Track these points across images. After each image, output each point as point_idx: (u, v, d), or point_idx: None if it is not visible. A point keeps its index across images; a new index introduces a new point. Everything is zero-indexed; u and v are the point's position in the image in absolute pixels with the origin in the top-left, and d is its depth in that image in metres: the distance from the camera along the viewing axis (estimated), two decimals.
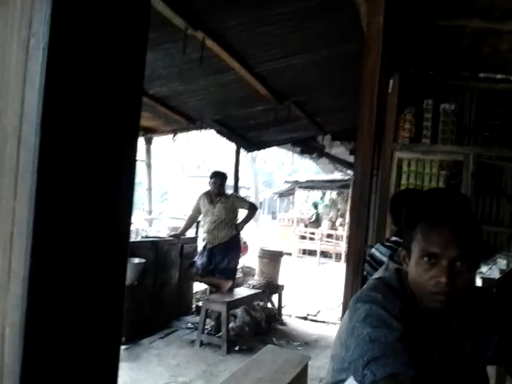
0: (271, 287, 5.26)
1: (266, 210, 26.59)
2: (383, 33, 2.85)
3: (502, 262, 4.18)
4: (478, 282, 4.17)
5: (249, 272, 5.85)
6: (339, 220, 12.35)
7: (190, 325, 4.68)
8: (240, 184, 18.48)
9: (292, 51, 3.14)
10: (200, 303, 4.78)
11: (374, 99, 2.14)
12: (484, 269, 4.36)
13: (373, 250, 2.02)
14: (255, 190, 21.38)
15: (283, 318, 5.31)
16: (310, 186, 13.17)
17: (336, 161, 8.05)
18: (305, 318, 5.48)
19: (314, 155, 6.71)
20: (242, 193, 19.22)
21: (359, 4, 2.34)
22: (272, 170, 27.71)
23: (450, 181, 4.91)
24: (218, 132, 4.98)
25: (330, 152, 7.11)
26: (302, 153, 6.72)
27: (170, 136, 5.62)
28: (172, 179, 22.41)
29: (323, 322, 5.24)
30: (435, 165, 5.07)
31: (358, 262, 2.09)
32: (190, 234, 5.37)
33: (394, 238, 1.92)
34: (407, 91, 5.08)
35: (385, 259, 1.76)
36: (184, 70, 3.30)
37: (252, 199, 20.83)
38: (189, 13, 2.54)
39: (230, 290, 4.61)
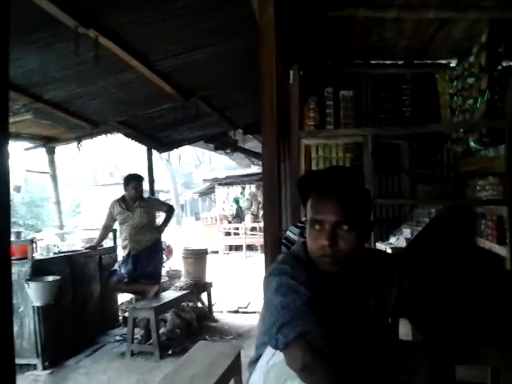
0: (199, 286, 5.23)
1: (189, 211, 26.29)
2: (277, 25, 2.95)
3: (407, 232, 4.57)
4: (389, 251, 4.53)
5: (175, 274, 5.75)
6: (261, 212, 12.61)
7: (118, 337, 4.50)
8: (158, 188, 18.06)
9: (192, 46, 3.12)
10: (127, 314, 4.60)
11: (273, 90, 2.21)
12: (392, 239, 4.75)
13: (287, 233, 2.10)
14: (174, 192, 21.00)
15: (214, 314, 5.31)
16: (230, 182, 13.27)
17: (251, 154, 8.19)
18: (236, 312, 5.53)
19: (228, 150, 6.77)
20: (162, 197, 18.79)
21: None
22: (190, 170, 27.41)
23: (355, 162, 5.26)
24: (126, 135, 4.80)
25: (244, 146, 7.22)
26: (216, 149, 6.74)
27: (75, 144, 5.31)
28: (84, 191, 21.18)
29: (254, 312, 5.33)
30: (340, 149, 5.39)
31: (274, 248, 2.16)
32: (108, 243, 5.15)
33: (304, 218, 2.01)
34: (309, 81, 5.33)
35: (297, 238, 1.84)
36: (80, 71, 3.13)
37: (172, 202, 20.46)
38: (78, 10, 2.41)
39: (157, 295, 4.50)
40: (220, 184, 13.47)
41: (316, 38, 4.36)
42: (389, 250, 4.54)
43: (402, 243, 4.56)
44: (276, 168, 2.21)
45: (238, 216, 12.98)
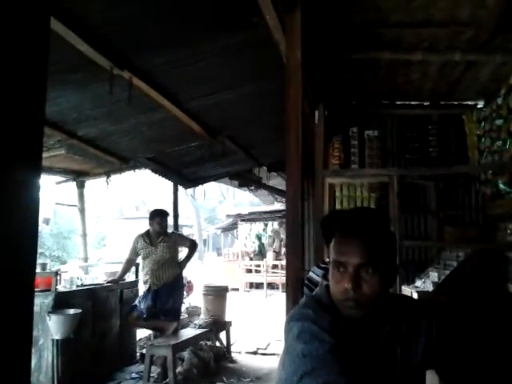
0: (218, 325, 5.13)
1: (211, 246, 26.30)
2: (303, 67, 3.04)
3: (434, 275, 4.42)
4: (414, 295, 4.37)
5: (194, 311, 5.68)
6: (283, 250, 12.48)
7: (134, 375, 4.42)
8: (182, 222, 18.19)
9: (220, 87, 3.22)
10: (144, 350, 4.54)
11: (299, 130, 2.24)
12: (418, 283, 4.59)
13: (310, 273, 2.06)
14: (198, 227, 21.12)
15: (233, 355, 5.18)
16: (252, 218, 13.27)
17: (275, 191, 8.22)
18: (255, 353, 5.38)
19: (253, 187, 6.81)
20: (185, 231, 18.92)
21: (278, 41, 2.48)
22: (214, 206, 27.62)
23: (380, 202, 5.18)
24: (153, 170, 4.92)
25: (268, 183, 7.26)
26: (240, 186, 6.80)
27: (104, 178, 5.46)
28: (110, 224, 21.56)
29: (273, 354, 5.17)
30: (365, 188, 5.34)
31: (296, 288, 2.12)
32: (130, 277, 5.17)
33: (327, 259, 1.97)
34: (334, 121, 5.39)
35: (320, 280, 1.80)
36: (113, 110, 3.26)
37: (195, 237, 20.54)
38: (114, 53, 2.55)
39: (175, 333, 4.43)
40: (243, 220, 13.48)
41: (341, 80, 4.44)
42: (415, 294, 4.38)
43: (429, 287, 4.40)
44: (300, 206, 2.20)
45: (260, 253, 12.87)
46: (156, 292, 4.49)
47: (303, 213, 2.26)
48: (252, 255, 13.07)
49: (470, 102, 5.17)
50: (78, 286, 4.30)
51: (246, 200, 22.54)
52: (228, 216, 14.57)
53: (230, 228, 15.89)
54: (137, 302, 4.57)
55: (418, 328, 1.19)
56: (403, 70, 4.29)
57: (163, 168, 4.93)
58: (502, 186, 3.99)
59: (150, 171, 4.97)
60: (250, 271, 12.35)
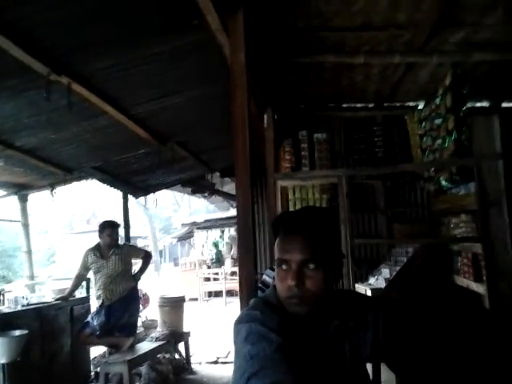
0: (176, 336, 5.01)
1: (167, 257, 25.77)
2: (249, 70, 3.04)
3: (386, 271, 4.56)
4: (368, 293, 4.48)
5: (151, 325, 5.52)
6: None
7: None
8: (136, 234, 17.63)
9: (166, 92, 3.16)
10: (99, 369, 4.34)
11: (246, 133, 2.23)
12: (371, 280, 4.71)
13: (263, 276, 2.05)
14: (153, 237, 20.66)
15: (193, 366, 5.07)
16: (208, 225, 13.15)
17: (229, 197, 8.18)
18: (215, 362, 5.30)
19: (206, 194, 6.75)
20: (139, 243, 18.42)
21: (222, 43, 2.46)
22: (169, 215, 27.14)
23: (332, 203, 5.30)
24: (101, 180, 4.74)
25: (222, 189, 7.22)
26: (194, 192, 6.72)
27: (48, 191, 5.20)
28: (59, 239, 20.62)
29: None
30: (317, 190, 5.45)
31: (250, 292, 2.09)
32: (80, 293, 4.94)
33: None
34: (284, 125, 5.46)
35: (272, 281, 1.79)
36: (52, 118, 3.11)
37: (150, 248, 20.07)
38: (50, 57, 2.43)
39: (131, 347, 4.28)
40: (199, 228, 13.32)
41: (289, 83, 4.50)
42: (368, 291, 4.50)
43: (382, 283, 4.53)
44: (250, 210, 2.19)
45: (218, 260, 12.76)
46: (110, 307, 4.33)
47: (254, 217, 2.25)
48: (210, 263, 12.93)
49: (411, 103, 5.42)
50: (23, 305, 4.06)
51: (202, 207, 22.34)
52: (183, 225, 14.34)
53: (186, 237, 15.65)
54: (89, 319, 4.38)
55: (365, 322, 1.20)
56: (347, 73, 4.42)
57: (111, 177, 4.76)
58: (443, 182, 4.18)
59: (98, 181, 4.79)
60: (208, 280, 12.20)
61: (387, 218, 5.46)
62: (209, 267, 12.66)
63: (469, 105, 4.86)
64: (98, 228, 4.46)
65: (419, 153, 5.03)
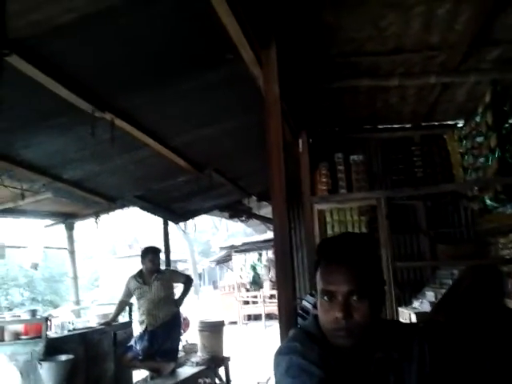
0: (216, 361, 5.00)
1: (207, 280, 25.95)
2: (282, 99, 3.10)
3: (430, 294, 4.39)
4: (412, 317, 4.32)
5: (191, 349, 5.54)
6: None
7: None
8: (175, 257, 17.90)
9: (202, 123, 3.26)
10: None
11: (281, 159, 2.26)
12: (415, 304, 4.55)
13: (303, 302, 2.04)
14: (192, 261, 20.90)
15: None
16: (246, 249, 13.18)
17: (266, 220, 8.21)
18: None
19: (243, 218, 6.81)
20: (179, 266, 18.67)
21: (256, 75, 2.54)
22: (207, 238, 27.43)
23: (371, 225, 5.20)
24: (142, 208, 4.91)
25: (259, 213, 7.26)
26: (231, 217, 6.79)
27: (93, 219, 5.43)
28: (103, 264, 21.25)
29: None
30: (355, 212, 5.38)
31: (290, 318, 2.09)
32: (123, 319, 5.06)
33: None
34: (319, 148, 5.47)
35: (311, 309, 1.78)
36: (97, 151, 3.27)
37: (190, 271, 20.28)
38: (94, 96, 2.58)
39: (173, 372, 4.31)
40: (237, 251, 13.37)
41: (323, 108, 4.53)
42: (413, 315, 4.34)
43: (426, 307, 4.36)
44: (287, 235, 2.20)
45: (256, 283, 12.71)
46: (153, 332, 4.39)
47: (291, 241, 2.26)
48: (248, 286, 12.91)
49: (450, 122, 5.29)
50: (69, 330, 4.20)
51: (240, 230, 22.44)
52: (222, 248, 14.45)
53: (225, 260, 15.74)
54: (132, 343, 4.46)
55: (410, 353, 1.17)
56: (382, 95, 4.40)
57: (152, 205, 4.92)
58: (488, 201, 4.03)
59: (139, 208, 4.96)
60: (247, 303, 12.16)
61: (430, 239, 5.30)
62: (247, 290, 12.64)
63: (511, 122, 4.72)
64: (140, 254, 4.59)
65: (461, 171, 4.88)
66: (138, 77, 2.47)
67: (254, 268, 13.20)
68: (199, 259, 24.03)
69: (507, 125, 3.79)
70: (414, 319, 4.32)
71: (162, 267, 4.81)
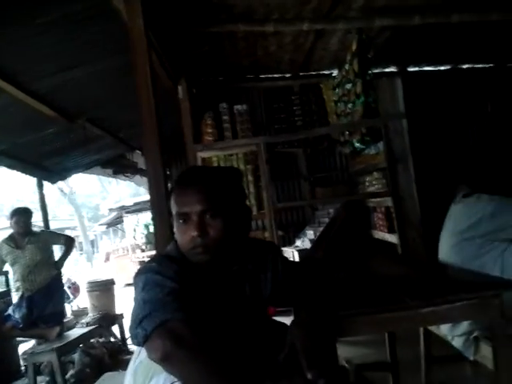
0: (108, 319, 4.90)
1: (100, 246, 24.80)
2: (156, 40, 2.96)
3: (310, 233, 4.77)
4: (295, 254, 4.68)
5: (81, 312, 5.35)
6: None
7: None
8: (63, 225, 16.67)
9: (68, 64, 2.97)
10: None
11: (152, 104, 2.18)
12: (298, 242, 4.92)
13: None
14: (82, 227, 19.74)
15: (129, 347, 5.01)
16: (138, 208, 12.80)
17: None
18: None
19: (128, 174, 6.55)
20: (69, 234, 17.48)
21: (119, 10, 2.36)
22: (97, 203, 26.02)
23: (256, 173, 5.40)
24: (9, 166, 4.41)
25: (145, 168, 7.04)
26: (116, 173, 6.48)
27: None
28: None
29: None
30: (241, 161, 5.51)
31: None
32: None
33: None
34: (204, 98, 5.41)
35: None
36: None
37: (81, 239, 19.20)
38: None
39: (60, 336, 4.12)
40: (128, 212, 12.93)
41: (202, 54, 4.44)
42: (295, 253, 4.69)
43: (307, 244, 4.74)
44: (162, 175, 2.18)
45: (150, 242, 12.51)
46: (31, 298, 4.11)
47: (167, 183, 2.23)
48: (143, 247, 12.66)
49: (325, 72, 5.60)
50: None
51: (131, 193, 21.64)
52: (111, 210, 13.84)
53: (116, 222, 15.14)
54: (10, 311, 4.15)
55: (265, 265, 1.27)
56: (261, 43, 4.46)
57: (20, 162, 4.45)
58: (356, 144, 4.42)
59: (6, 167, 4.46)
60: (143, 263, 11.96)
61: (310, 184, 5.68)
62: (143, 251, 12.41)
63: (378, 70, 5.14)
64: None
65: (335, 118, 5.25)
66: None
67: (147, 227, 12.93)
68: (90, 225, 22.78)
69: (371, 72, 4.12)
70: (296, 257, 4.67)
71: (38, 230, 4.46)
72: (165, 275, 1.05)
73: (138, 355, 1.07)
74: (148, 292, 1.02)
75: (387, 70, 5.62)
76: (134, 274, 1.13)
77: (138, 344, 0.97)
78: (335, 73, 5.31)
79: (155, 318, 0.95)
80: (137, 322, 0.97)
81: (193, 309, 0.99)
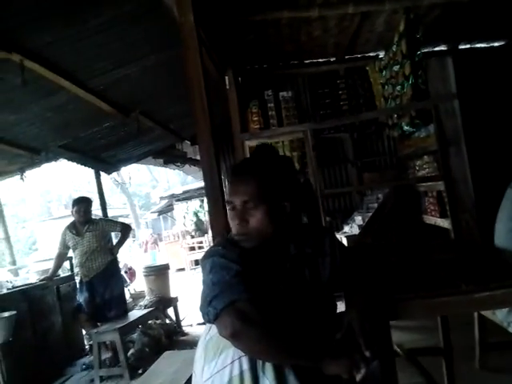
0: (164, 302, 5.16)
1: (152, 232, 25.72)
2: (204, 32, 3.03)
3: (358, 219, 4.74)
4: (344, 240, 4.68)
5: (138, 295, 5.66)
6: None
7: (84, 366, 4.37)
8: (117, 213, 17.39)
9: (121, 61, 3.12)
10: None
11: (203, 96, 2.24)
12: (346, 228, 4.91)
13: None
14: (134, 215, 20.58)
15: (184, 328, 5.26)
16: (187, 196, 13.18)
17: None
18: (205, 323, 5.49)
19: (179, 163, 6.76)
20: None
21: (170, 7, 2.45)
22: (148, 191, 26.96)
23: (303, 160, 5.42)
24: (69, 159, 4.71)
25: (196, 157, 7.22)
26: (166, 163, 6.72)
27: (18, 176, 5.12)
28: (39, 227, 20.36)
29: None
30: (287, 148, 5.55)
31: None
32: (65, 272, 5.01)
33: None
34: (249, 86, 5.47)
35: None
36: (10, 98, 3.06)
37: (133, 226, 20.01)
38: None
39: (122, 317, 4.41)
40: (178, 200, 13.34)
41: (248, 43, 4.49)
42: (344, 239, 4.70)
43: (356, 230, 4.73)
44: (215, 165, 2.26)
45: (199, 229, 12.89)
46: (89, 283, 4.41)
47: (220, 172, 2.32)
48: (193, 233, 13.06)
49: (371, 54, 5.47)
50: (8, 289, 4.13)
51: (181, 180, 22.22)
52: (162, 198, 14.32)
53: (167, 210, 15.67)
54: (79, 299, 4.48)
55: (322, 249, 1.33)
56: (305, 28, 4.43)
57: (79, 155, 4.73)
58: (405, 127, 4.32)
59: (67, 160, 4.76)
60: (193, 249, 12.36)
61: (357, 169, 5.63)
62: (192, 237, 12.80)
63: (427, 49, 4.95)
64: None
65: (382, 102, 5.14)
66: (45, 12, 2.30)
67: (196, 214, 13.30)
68: (141, 213, 23.69)
69: (419, 52, 4.00)
70: (345, 243, 4.67)
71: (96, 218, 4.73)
72: (229, 258, 1.15)
73: (209, 331, 1.17)
74: (215, 274, 1.12)
75: (437, 48, 5.41)
76: (201, 258, 1.24)
77: (209, 321, 1.08)
78: (382, 54, 5.18)
79: (224, 299, 1.05)
80: (207, 301, 1.08)
81: (257, 290, 1.08)
